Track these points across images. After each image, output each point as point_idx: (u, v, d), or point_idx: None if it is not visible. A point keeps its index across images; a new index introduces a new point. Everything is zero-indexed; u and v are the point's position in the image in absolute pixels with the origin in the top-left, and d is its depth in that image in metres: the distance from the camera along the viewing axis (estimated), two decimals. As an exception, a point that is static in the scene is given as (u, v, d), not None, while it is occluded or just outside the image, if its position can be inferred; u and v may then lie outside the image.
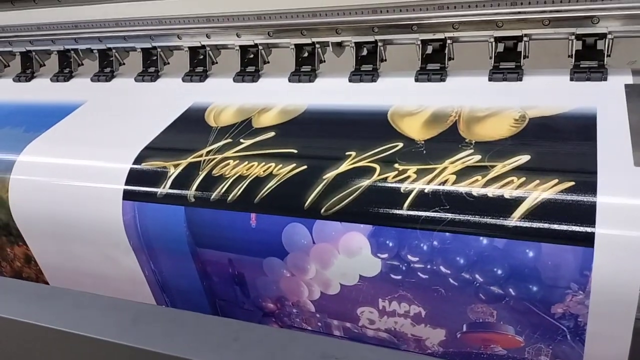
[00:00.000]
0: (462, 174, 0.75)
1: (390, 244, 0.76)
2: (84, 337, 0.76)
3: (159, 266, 0.94)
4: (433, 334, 0.79)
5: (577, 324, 0.70)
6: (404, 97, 0.96)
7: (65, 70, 1.35)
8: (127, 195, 0.90)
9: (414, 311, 0.79)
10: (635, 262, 0.64)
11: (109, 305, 0.81)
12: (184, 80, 1.20)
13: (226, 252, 0.88)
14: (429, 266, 0.75)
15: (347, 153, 0.83)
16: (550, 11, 0.91)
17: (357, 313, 0.83)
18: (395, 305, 0.80)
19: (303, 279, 0.84)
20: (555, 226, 0.68)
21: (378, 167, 0.79)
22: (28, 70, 1.40)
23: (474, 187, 0.73)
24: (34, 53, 1.39)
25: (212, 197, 0.84)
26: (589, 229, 0.66)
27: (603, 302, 0.67)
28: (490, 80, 0.95)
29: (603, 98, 0.84)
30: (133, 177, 0.91)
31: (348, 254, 0.79)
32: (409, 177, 0.76)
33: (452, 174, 0.75)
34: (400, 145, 0.83)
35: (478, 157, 0.77)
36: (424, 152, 0.80)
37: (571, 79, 0.91)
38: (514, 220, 0.69)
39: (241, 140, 0.91)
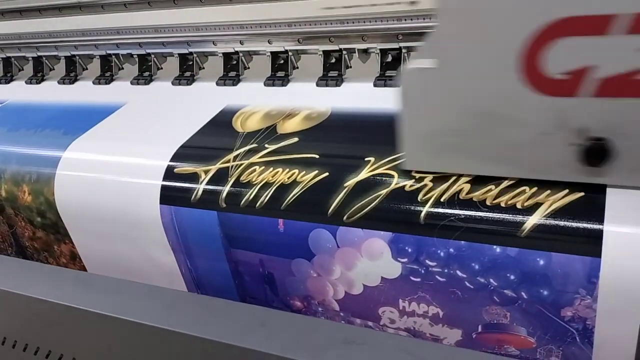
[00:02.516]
0: (477, 183, 0.78)
1: (409, 250, 0.80)
2: (123, 320, 0.82)
3: (195, 265, 1.00)
4: (450, 334, 0.84)
5: (585, 326, 0.74)
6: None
7: (107, 73, 1.42)
8: (164, 200, 0.96)
9: (432, 312, 0.83)
10: (640, 270, 0.68)
11: (146, 292, 0.88)
12: (217, 84, 1.26)
13: (257, 253, 0.93)
14: (446, 270, 0.79)
15: (366, 159, 0.87)
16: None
17: (378, 312, 0.87)
18: (415, 306, 0.84)
19: (328, 279, 0.89)
20: (565, 237, 0.71)
21: (396, 175, 0.83)
22: (72, 73, 1.47)
23: (488, 196, 0.76)
24: (77, 57, 1.46)
25: (242, 203, 0.90)
26: (596, 240, 0.69)
27: (610, 307, 0.71)
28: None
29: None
30: (168, 182, 0.97)
31: (370, 257, 0.84)
32: (425, 185, 0.80)
33: (467, 182, 0.79)
34: None
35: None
36: None
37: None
38: (525, 231, 0.73)
39: (266, 146, 0.96)
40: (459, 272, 0.78)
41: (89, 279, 0.97)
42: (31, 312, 0.93)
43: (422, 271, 0.81)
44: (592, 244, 0.70)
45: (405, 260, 0.81)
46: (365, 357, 0.70)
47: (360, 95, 1.09)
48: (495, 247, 0.75)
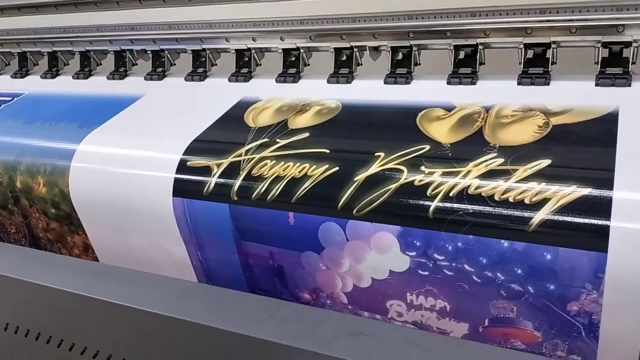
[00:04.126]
0: (485, 178, 0.79)
1: (418, 244, 0.82)
2: (135, 309, 0.84)
3: (206, 256, 1.01)
4: (457, 328, 0.85)
5: (591, 321, 0.75)
6: (436, 98, 1.01)
7: (121, 69, 1.44)
8: (177, 193, 0.97)
9: (440, 305, 0.84)
10: (646, 266, 0.69)
11: (158, 281, 0.89)
12: (229, 81, 1.27)
13: (267, 246, 0.95)
14: (453, 264, 0.80)
15: (376, 154, 0.88)
16: (577, 20, 0.94)
17: (386, 306, 0.88)
18: (422, 299, 0.85)
19: (337, 272, 0.90)
20: (572, 232, 0.72)
21: (405, 170, 0.84)
22: (86, 68, 1.49)
23: (496, 191, 0.77)
24: (92, 53, 1.48)
25: (253, 196, 0.91)
26: (603, 235, 0.70)
27: (616, 302, 0.72)
28: (519, 84, 1.00)
29: (626, 103, 0.88)
30: (181, 175, 0.99)
31: (379, 250, 0.85)
32: (434, 180, 0.81)
33: (476, 177, 0.79)
34: (427, 147, 0.87)
35: (501, 160, 0.81)
36: (450, 154, 0.85)
37: (596, 85, 0.94)
38: (532, 226, 0.74)
39: (277, 140, 0.97)
40: (466, 266, 0.80)
41: (101, 269, 0.98)
42: (44, 301, 0.94)
43: (430, 265, 0.82)
44: (598, 239, 0.70)
45: (413, 253, 0.82)
46: (372, 348, 0.71)
47: (370, 92, 1.10)
48: (502, 241, 0.76)
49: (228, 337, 0.77)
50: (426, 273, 0.83)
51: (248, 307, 0.81)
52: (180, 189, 0.97)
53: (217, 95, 1.21)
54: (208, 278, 1.04)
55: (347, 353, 0.70)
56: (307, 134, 0.98)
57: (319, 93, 1.12)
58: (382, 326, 0.77)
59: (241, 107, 1.11)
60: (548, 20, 0.97)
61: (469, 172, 0.81)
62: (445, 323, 0.85)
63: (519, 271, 0.77)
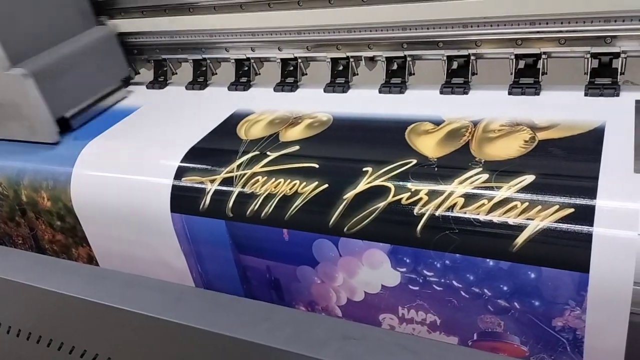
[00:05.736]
0: (470, 197, 0.80)
1: (408, 260, 0.83)
2: (132, 312, 0.86)
3: (205, 269, 1.04)
4: (447, 341, 0.87)
5: (575, 336, 0.76)
6: (429, 108, 1.03)
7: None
8: (174, 209, 1.00)
9: (430, 319, 0.86)
10: (626, 286, 0.70)
11: (156, 286, 0.92)
12: (229, 89, 1.29)
13: (264, 260, 0.97)
14: (442, 280, 0.82)
15: (364, 169, 0.89)
16: (567, 31, 0.95)
17: (379, 319, 0.91)
18: (414, 313, 0.87)
19: (332, 285, 0.92)
20: (554, 253, 0.73)
21: (393, 188, 0.85)
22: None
23: (481, 211, 0.79)
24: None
25: (247, 213, 0.93)
26: (585, 256, 0.71)
27: (598, 319, 0.73)
28: (509, 94, 1.01)
29: (613, 113, 0.89)
30: (177, 191, 1.00)
31: (370, 266, 0.87)
32: (421, 199, 0.82)
33: (461, 196, 0.80)
34: (414, 162, 0.88)
35: (486, 176, 0.82)
36: (436, 169, 0.86)
37: (585, 95, 0.95)
38: (516, 246, 0.75)
39: (268, 153, 0.98)
40: (454, 282, 0.81)
41: (99, 273, 1.01)
42: (43, 304, 0.97)
43: (420, 280, 0.84)
44: (581, 259, 0.72)
45: (404, 269, 0.84)
46: (362, 352, 0.73)
47: (365, 101, 1.12)
48: (488, 260, 0.77)
49: (223, 340, 0.79)
50: (417, 288, 0.85)
51: (243, 311, 0.83)
52: (177, 205, 1.00)
53: (215, 105, 1.23)
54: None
55: (338, 356, 0.73)
56: (297, 147, 0.99)
57: (315, 102, 1.14)
58: (373, 330, 0.79)
59: (234, 120, 1.13)
60: (538, 32, 0.97)
61: (454, 190, 0.81)
62: (436, 337, 0.87)
63: (505, 288, 0.78)
